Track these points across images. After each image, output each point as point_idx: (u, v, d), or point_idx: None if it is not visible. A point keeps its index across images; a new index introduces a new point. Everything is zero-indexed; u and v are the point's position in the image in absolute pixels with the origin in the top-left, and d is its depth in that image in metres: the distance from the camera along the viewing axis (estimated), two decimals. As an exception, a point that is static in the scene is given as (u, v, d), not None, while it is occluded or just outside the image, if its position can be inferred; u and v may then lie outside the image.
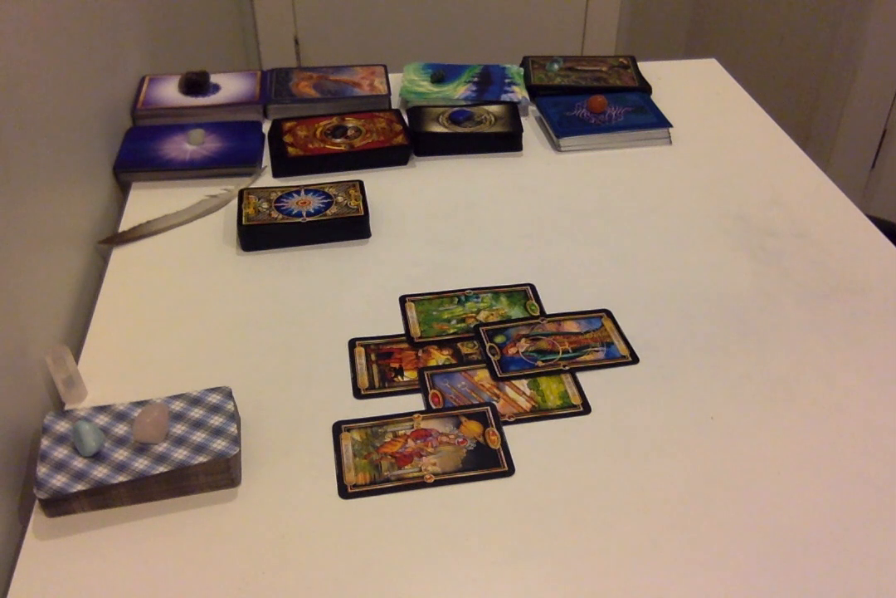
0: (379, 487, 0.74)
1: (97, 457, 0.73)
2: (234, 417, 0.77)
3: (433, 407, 0.82)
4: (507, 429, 0.80)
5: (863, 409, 0.82)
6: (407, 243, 1.04)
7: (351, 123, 1.22)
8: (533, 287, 0.97)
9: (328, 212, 1.04)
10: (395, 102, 1.32)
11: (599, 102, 1.26)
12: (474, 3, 2.39)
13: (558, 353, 0.88)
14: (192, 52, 1.89)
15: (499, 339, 0.89)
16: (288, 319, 0.92)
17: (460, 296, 0.95)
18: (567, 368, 0.86)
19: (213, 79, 1.31)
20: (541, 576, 0.67)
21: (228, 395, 0.80)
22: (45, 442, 0.74)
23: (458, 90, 1.32)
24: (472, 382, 0.85)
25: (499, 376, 0.85)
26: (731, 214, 1.09)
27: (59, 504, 0.71)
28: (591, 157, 1.22)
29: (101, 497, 0.71)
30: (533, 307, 0.94)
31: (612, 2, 2.43)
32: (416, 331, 0.90)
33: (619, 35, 2.51)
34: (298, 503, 0.73)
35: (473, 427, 0.79)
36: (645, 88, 1.35)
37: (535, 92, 1.33)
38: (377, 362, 0.87)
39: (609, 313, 0.93)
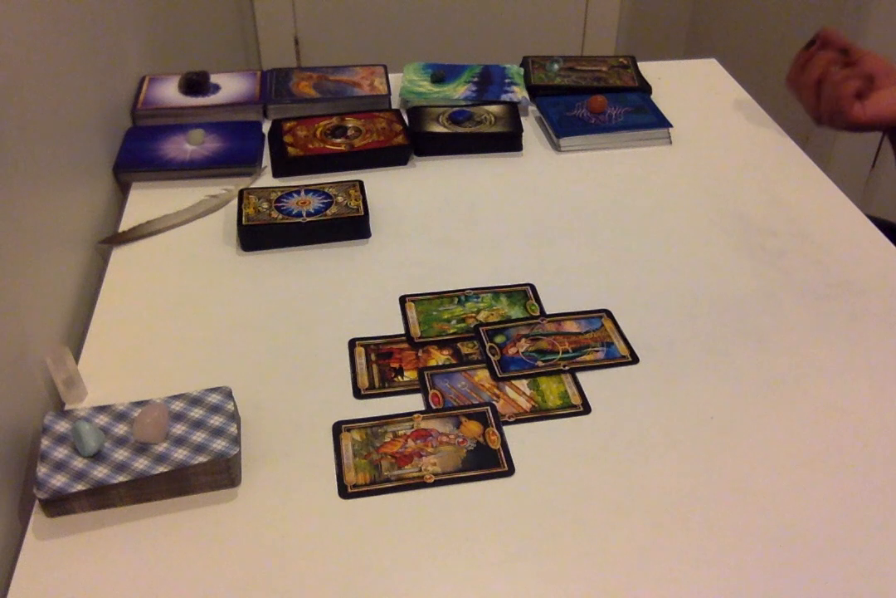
0: (379, 487, 0.74)
1: (97, 457, 0.73)
2: (234, 417, 0.77)
3: (433, 407, 0.82)
4: (507, 429, 0.80)
5: (863, 409, 0.82)
6: (407, 243, 1.04)
7: (351, 123, 1.22)
8: (533, 287, 0.97)
9: (328, 212, 1.04)
10: (395, 102, 1.32)
11: (599, 102, 1.26)
12: (474, 3, 2.39)
13: (558, 353, 0.88)
14: (192, 52, 1.89)
15: (499, 339, 0.89)
16: (288, 319, 0.92)
17: (460, 296, 0.95)
18: (567, 368, 0.86)
19: (213, 79, 1.31)
20: (541, 576, 0.67)
21: (228, 395, 0.80)
22: (45, 442, 0.74)
23: (458, 90, 1.32)
24: (472, 382, 0.85)
25: (499, 376, 0.85)
26: (731, 214, 1.09)
27: (59, 504, 0.71)
28: (591, 157, 1.22)
29: (101, 497, 0.71)
30: (533, 307, 0.94)
31: (612, 2, 2.43)
32: (416, 331, 0.90)
33: (619, 35, 2.51)
34: (298, 503, 0.73)
35: (473, 427, 0.79)
36: (645, 88, 1.35)
37: (535, 92, 1.33)
38: (377, 362, 0.87)
39: (609, 313, 0.93)
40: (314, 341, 0.89)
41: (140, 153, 1.16)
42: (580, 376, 0.85)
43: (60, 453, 0.73)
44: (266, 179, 1.16)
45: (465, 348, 0.89)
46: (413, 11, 2.38)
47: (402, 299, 0.95)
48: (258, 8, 2.31)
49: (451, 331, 0.91)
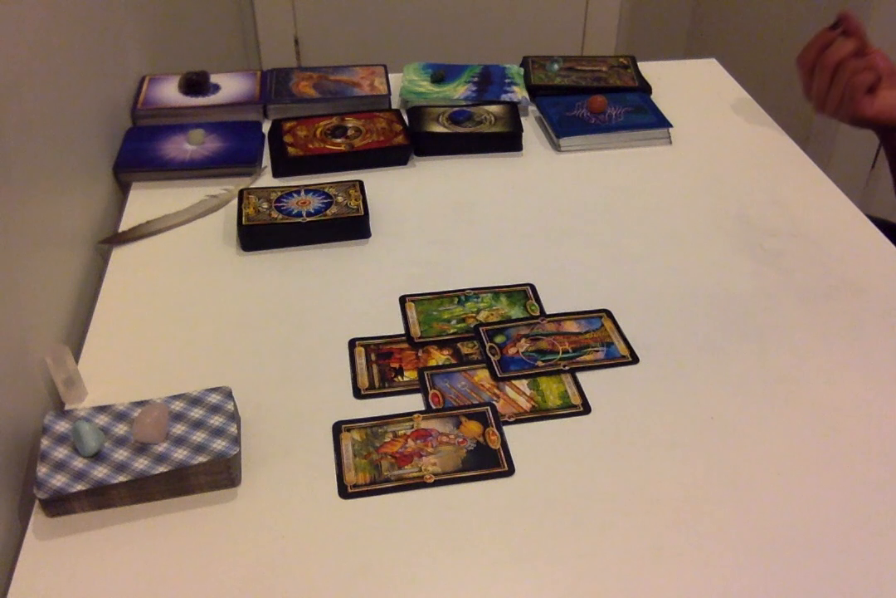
0: (379, 487, 0.74)
1: (97, 457, 0.73)
2: (234, 417, 0.77)
3: (433, 407, 0.82)
4: (507, 429, 0.79)
5: (863, 409, 0.82)
6: (407, 243, 1.04)
7: (351, 123, 1.22)
8: (533, 287, 0.97)
9: (328, 212, 1.04)
10: (395, 102, 1.32)
11: (599, 101, 1.26)
12: (474, 3, 2.39)
13: (558, 353, 0.88)
14: (192, 52, 1.89)
15: (499, 339, 0.89)
16: (288, 319, 0.92)
17: (460, 296, 0.95)
18: (567, 368, 0.86)
19: (213, 79, 1.31)
20: (541, 576, 0.67)
21: (228, 395, 0.80)
22: (45, 442, 0.74)
23: (458, 90, 1.32)
24: (472, 382, 0.85)
25: (499, 376, 0.85)
26: (731, 214, 1.09)
27: (59, 504, 0.71)
28: (591, 157, 1.22)
29: (101, 497, 0.71)
30: (533, 307, 0.94)
31: (612, 2, 2.43)
32: (416, 331, 0.90)
33: (619, 35, 2.51)
34: (298, 503, 0.73)
35: (473, 427, 0.79)
36: (645, 88, 1.35)
37: (535, 92, 1.33)
38: (377, 362, 0.87)
39: (609, 313, 0.93)
40: (314, 341, 0.89)
41: (140, 153, 1.16)
42: (580, 376, 0.85)
43: (60, 453, 0.73)
44: (266, 179, 1.16)
45: (465, 348, 0.89)
46: (413, 11, 2.38)
47: (402, 299, 0.95)
48: (258, 8, 2.31)
49: (451, 331, 0.91)
